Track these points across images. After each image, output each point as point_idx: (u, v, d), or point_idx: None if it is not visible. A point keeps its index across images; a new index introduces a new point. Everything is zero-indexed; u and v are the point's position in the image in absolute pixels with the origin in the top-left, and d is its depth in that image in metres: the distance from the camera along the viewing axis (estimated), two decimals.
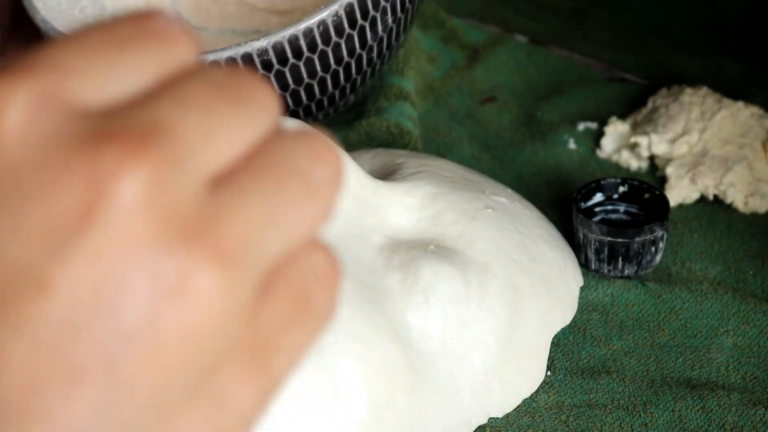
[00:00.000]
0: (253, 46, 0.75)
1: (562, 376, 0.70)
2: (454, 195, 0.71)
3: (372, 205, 0.69)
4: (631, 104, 0.90)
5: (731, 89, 0.88)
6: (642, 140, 0.84)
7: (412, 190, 0.71)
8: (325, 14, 0.76)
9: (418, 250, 0.68)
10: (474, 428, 0.67)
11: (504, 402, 0.68)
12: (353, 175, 0.69)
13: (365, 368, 0.63)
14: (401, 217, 0.70)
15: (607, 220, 0.78)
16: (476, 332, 0.67)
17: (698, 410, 0.68)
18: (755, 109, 0.85)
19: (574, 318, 0.73)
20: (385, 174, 0.73)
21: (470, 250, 0.69)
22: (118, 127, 0.30)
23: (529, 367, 0.69)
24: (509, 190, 0.77)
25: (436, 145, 0.87)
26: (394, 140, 0.84)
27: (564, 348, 0.72)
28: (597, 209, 0.78)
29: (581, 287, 0.75)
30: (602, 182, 0.78)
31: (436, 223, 0.70)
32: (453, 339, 0.67)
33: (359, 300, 0.65)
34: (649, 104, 0.87)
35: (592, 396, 0.69)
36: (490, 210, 0.72)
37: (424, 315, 0.66)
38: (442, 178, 0.73)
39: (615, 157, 0.86)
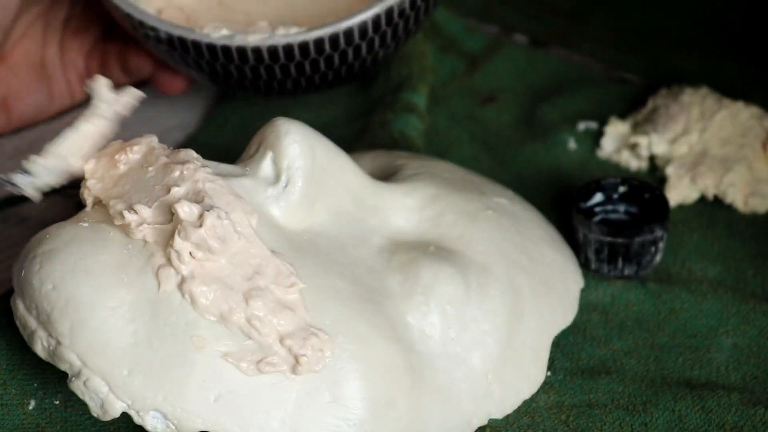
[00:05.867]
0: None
1: (562, 376, 0.71)
2: (455, 196, 0.71)
3: (372, 206, 0.69)
4: (631, 104, 0.90)
5: (731, 89, 0.88)
6: (642, 140, 0.84)
7: (412, 191, 0.71)
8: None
9: (418, 251, 0.68)
10: (474, 429, 0.67)
11: (504, 403, 0.68)
12: (353, 176, 0.69)
13: (365, 369, 0.63)
14: (401, 219, 0.70)
15: (607, 220, 0.78)
16: (476, 333, 0.67)
17: (698, 410, 0.68)
18: (755, 109, 0.85)
19: (574, 318, 0.73)
20: (386, 175, 0.73)
21: (470, 252, 0.69)
22: None
23: (529, 368, 0.69)
24: (510, 192, 0.77)
25: (436, 145, 0.87)
26: (397, 146, 0.84)
27: (564, 348, 0.72)
28: (597, 209, 0.78)
29: (581, 288, 0.75)
30: (602, 182, 0.78)
31: (437, 225, 0.70)
32: (453, 340, 0.67)
33: (359, 301, 0.65)
34: (649, 104, 0.87)
35: (592, 396, 0.69)
36: (490, 211, 0.72)
37: (424, 316, 0.66)
38: (443, 180, 0.73)
39: (615, 157, 0.86)
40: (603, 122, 0.88)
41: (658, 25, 0.98)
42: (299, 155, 0.66)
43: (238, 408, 0.61)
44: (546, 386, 0.70)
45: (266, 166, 0.67)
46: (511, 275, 0.70)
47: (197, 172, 0.64)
